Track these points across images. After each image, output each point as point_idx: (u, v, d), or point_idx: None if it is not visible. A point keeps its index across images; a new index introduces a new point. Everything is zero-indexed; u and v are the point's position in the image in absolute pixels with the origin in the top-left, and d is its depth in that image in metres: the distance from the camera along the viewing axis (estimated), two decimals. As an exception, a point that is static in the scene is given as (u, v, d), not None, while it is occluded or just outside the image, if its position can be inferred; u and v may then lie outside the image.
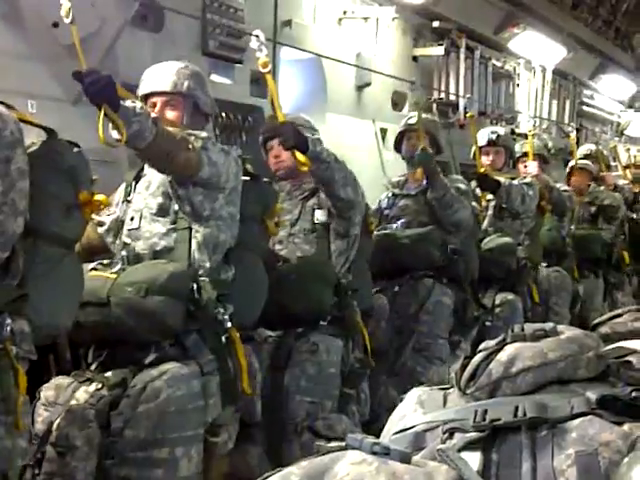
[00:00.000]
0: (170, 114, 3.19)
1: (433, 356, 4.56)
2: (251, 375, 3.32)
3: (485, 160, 5.41)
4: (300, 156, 3.42)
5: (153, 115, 2.80)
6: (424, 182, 4.64)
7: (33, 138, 2.38)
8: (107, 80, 2.59)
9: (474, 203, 4.97)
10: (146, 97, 3.22)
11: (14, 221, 2.21)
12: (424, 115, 4.91)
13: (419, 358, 4.56)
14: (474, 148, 5.57)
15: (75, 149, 2.46)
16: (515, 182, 5.32)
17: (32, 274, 2.30)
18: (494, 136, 5.48)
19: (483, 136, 5.47)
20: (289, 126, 3.45)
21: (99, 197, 2.50)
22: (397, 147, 4.96)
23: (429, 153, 4.63)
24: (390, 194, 4.89)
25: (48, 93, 4.29)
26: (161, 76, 3.22)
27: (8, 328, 2.19)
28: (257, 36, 3.41)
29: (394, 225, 4.71)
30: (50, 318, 2.37)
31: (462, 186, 4.79)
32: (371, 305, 4.16)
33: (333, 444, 1.16)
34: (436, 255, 4.59)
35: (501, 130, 5.78)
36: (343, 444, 1.16)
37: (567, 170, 7.13)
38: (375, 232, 4.60)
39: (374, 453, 1.13)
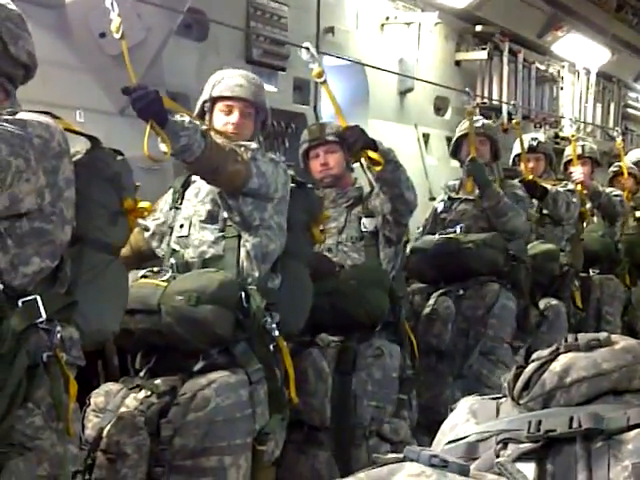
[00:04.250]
0: (248, 123, 3.21)
1: (498, 360, 4.56)
2: (322, 380, 3.34)
3: None
4: (374, 155, 3.45)
5: (203, 127, 2.83)
6: (476, 191, 4.63)
7: (78, 147, 2.41)
8: (154, 95, 2.63)
9: (530, 210, 4.95)
10: (217, 98, 3.22)
11: (62, 230, 2.24)
12: (486, 121, 4.88)
13: (485, 362, 4.57)
14: (513, 154, 5.56)
15: (119, 157, 2.48)
16: (561, 189, 5.29)
17: (79, 281, 2.32)
18: (534, 143, 5.47)
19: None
20: (357, 128, 3.49)
21: (143, 204, 2.52)
22: (455, 153, 4.93)
23: (479, 163, 4.61)
24: (446, 197, 4.87)
25: (95, 103, 4.34)
26: (245, 83, 3.22)
27: (58, 335, 2.21)
28: (307, 48, 3.44)
29: (456, 229, 4.70)
30: (98, 324, 2.39)
31: (520, 192, 4.78)
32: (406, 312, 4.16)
33: (390, 456, 1.15)
34: (501, 260, 4.59)
35: (541, 136, 5.75)
36: (401, 456, 1.15)
37: (611, 174, 6.97)
38: (436, 236, 4.62)
39: (432, 465, 1.12)
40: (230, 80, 3.23)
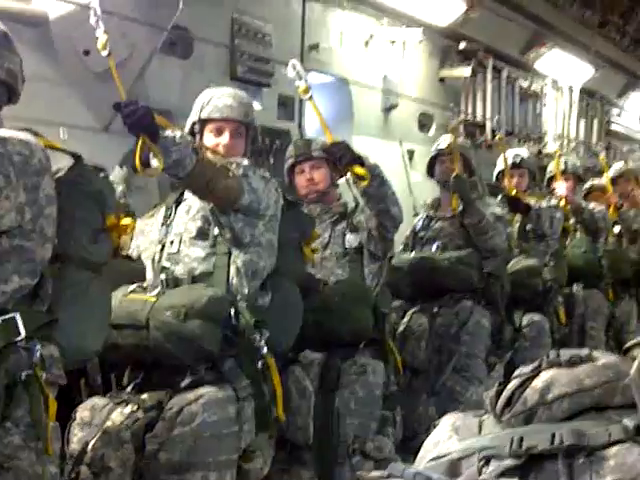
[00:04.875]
0: (240, 143, 3.22)
1: (472, 376, 4.58)
2: (305, 398, 3.34)
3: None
4: (360, 170, 3.48)
5: (195, 144, 2.83)
6: (460, 208, 4.65)
7: (60, 164, 2.40)
8: (145, 110, 2.63)
9: (511, 228, 4.98)
10: (206, 120, 3.22)
11: (42, 247, 2.23)
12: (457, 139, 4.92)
13: (459, 378, 4.58)
14: (497, 170, 5.59)
15: (101, 174, 2.48)
16: (544, 204, 5.33)
17: (60, 299, 2.30)
18: (518, 159, 5.51)
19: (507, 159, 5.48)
20: (343, 143, 3.53)
21: (125, 221, 2.52)
22: (430, 171, 4.96)
23: (463, 179, 4.63)
24: (424, 216, 4.90)
25: (79, 120, 4.35)
26: (234, 104, 3.22)
27: (38, 354, 2.20)
28: (294, 65, 3.46)
29: (432, 247, 4.72)
30: (79, 342, 2.37)
31: (498, 211, 4.79)
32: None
33: (374, 473, 1.16)
34: (475, 278, 4.61)
35: (524, 152, 5.78)
36: (385, 473, 1.15)
37: (584, 191, 6.95)
38: (412, 254, 4.64)
39: (415, 483, 1.13)
40: (219, 101, 3.22)
